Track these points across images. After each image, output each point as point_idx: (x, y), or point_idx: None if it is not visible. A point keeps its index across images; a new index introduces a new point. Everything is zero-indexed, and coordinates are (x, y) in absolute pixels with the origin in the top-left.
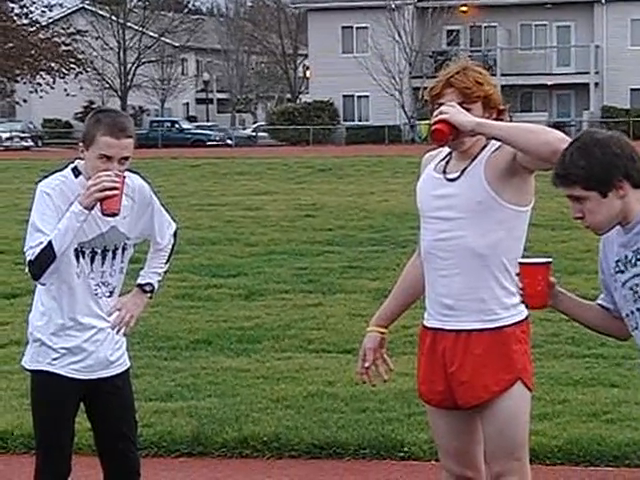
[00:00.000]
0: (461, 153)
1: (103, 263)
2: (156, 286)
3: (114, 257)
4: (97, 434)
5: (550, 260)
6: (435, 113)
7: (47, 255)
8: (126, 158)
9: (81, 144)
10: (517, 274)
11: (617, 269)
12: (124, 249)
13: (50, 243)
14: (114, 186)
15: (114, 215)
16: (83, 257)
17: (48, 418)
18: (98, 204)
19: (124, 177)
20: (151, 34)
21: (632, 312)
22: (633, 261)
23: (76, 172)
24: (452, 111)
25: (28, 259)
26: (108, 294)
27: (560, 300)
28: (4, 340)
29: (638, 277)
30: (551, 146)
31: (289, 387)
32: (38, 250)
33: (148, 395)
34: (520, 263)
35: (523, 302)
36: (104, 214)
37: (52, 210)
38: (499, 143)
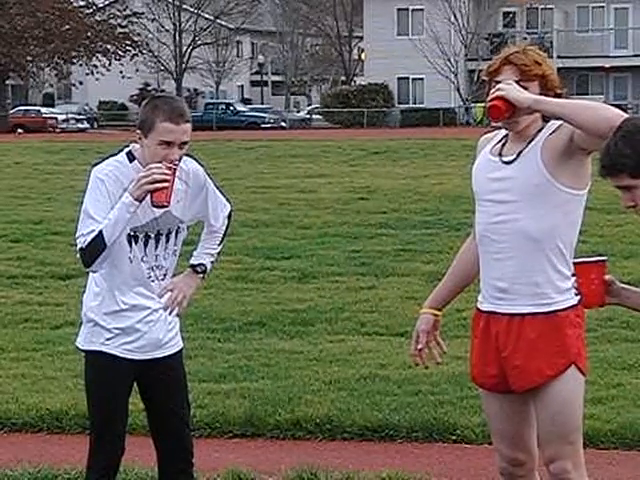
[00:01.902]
0: (517, 135)
1: (157, 247)
2: (209, 267)
3: (167, 240)
4: (150, 414)
5: (604, 259)
6: (492, 90)
7: (98, 244)
8: (185, 143)
9: (138, 131)
10: (573, 274)
11: None
12: (178, 232)
13: (101, 232)
14: (164, 178)
15: (164, 207)
16: (136, 242)
17: (102, 398)
18: (148, 195)
19: (175, 169)
20: (206, 16)
21: None
22: None
23: (131, 157)
24: (509, 88)
25: (79, 246)
26: (162, 277)
27: (626, 297)
28: (59, 321)
29: None
30: (610, 121)
31: (342, 369)
32: (89, 239)
33: (201, 376)
34: (574, 262)
35: (579, 301)
36: (154, 205)
37: (105, 197)
38: (555, 125)
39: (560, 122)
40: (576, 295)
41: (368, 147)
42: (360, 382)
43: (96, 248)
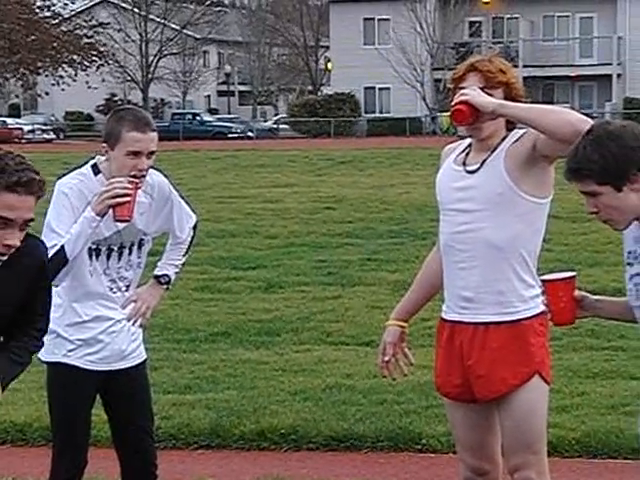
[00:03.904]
0: (481, 145)
1: (120, 259)
2: (173, 278)
3: (130, 253)
4: (113, 426)
5: (573, 274)
6: (456, 96)
7: (59, 259)
8: (153, 152)
9: (104, 145)
10: (542, 292)
11: (627, 261)
12: (141, 244)
13: (63, 247)
14: (126, 192)
15: (126, 221)
16: (98, 255)
17: (64, 410)
18: (111, 210)
19: (136, 183)
20: (173, 26)
21: (637, 307)
22: None
23: (95, 170)
24: (473, 93)
25: None
26: (125, 288)
27: (600, 308)
28: None
29: (639, 276)
30: (573, 126)
31: (307, 380)
32: (51, 253)
33: (167, 387)
34: (542, 280)
35: (550, 319)
36: (116, 220)
37: (68, 211)
38: (519, 134)
39: (523, 131)
40: (545, 307)
41: (335, 157)
42: (326, 392)
43: (58, 262)
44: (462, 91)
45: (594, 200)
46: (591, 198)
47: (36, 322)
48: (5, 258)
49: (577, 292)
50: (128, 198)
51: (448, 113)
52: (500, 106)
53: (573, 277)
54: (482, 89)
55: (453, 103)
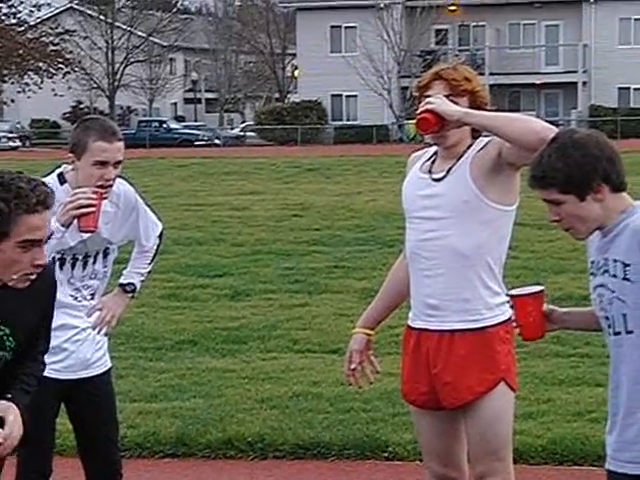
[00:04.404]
0: (446, 153)
1: (84, 268)
2: (138, 286)
3: (95, 262)
4: (78, 435)
5: (541, 289)
6: (422, 104)
7: None
8: (119, 162)
9: (71, 154)
10: (511, 306)
11: (590, 270)
12: (107, 253)
13: None
14: (90, 203)
15: (91, 232)
16: (63, 264)
17: (28, 419)
18: (75, 220)
19: (101, 193)
20: (139, 34)
21: (602, 317)
22: (602, 270)
23: (62, 179)
24: (438, 101)
25: None
26: (90, 297)
27: (568, 320)
28: None
29: (603, 287)
30: (538, 134)
31: (274, 387)
32: None
33: (132, 396)
34: (510, 295)
35: (519, 335)
36: (81, 230)
37: None
38: (484, 142)
39: (488, 139)
40: (518, 334)
41: (302, 164)
42: (292, 400)
43: None
44: (427, 100)
45: (557, 208)
46: (554, 206)
47: (40, 345)
48: (34, 278)
49: (545, 306)
50: (92, 209)
51: (414, 121)
52: (465, 115)
53: (541, 291)
54: (447, 97)
55: (418, 111)
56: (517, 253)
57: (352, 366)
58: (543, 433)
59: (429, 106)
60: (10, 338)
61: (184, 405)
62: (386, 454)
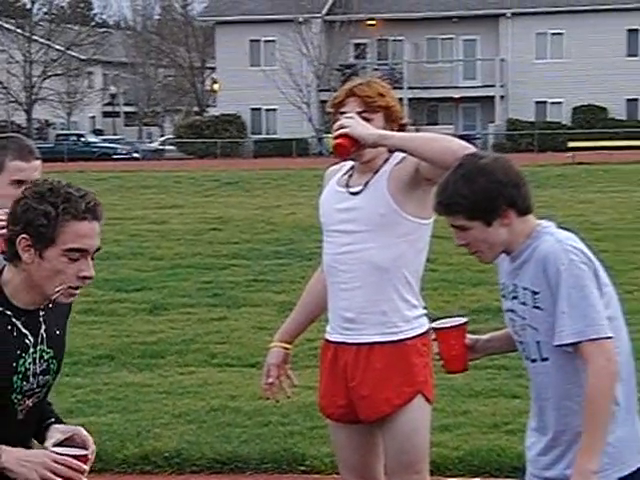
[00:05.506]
0: (364, 166)
1: None
2: None
3: None
4: None
5: (464, 322)
6: (335, 126)
7: None
8: None
9: None
10: (434, 339)
11: (501, 292)
12: None
13: None
14: (3, 225)
15: (3, 253)
16: None
17: None
18: None
19: None
20: (57, 47)
21: (515, 339)
22: (512, 295)
23: None
24: (353, 124)
25: None
26: None
27: (491, 347)
28: None
29: (513, 313)
30: (456, 154)
31: (192, 402)
32: None
33: None
34: (433, 328)
35: (443, 367)
36: None
37: None
38: (401, 156)
39: None
40: (442, 366)
41: (221, 177)
42: (210, 414)
43: None
44: (342, 121)
45: (463, 234)
46: (461, 232)
47: None
48: (78, 292)
49: (468, 338)
50: (3, 231)
51: (332, 135)
52: (381, 137)
53: (465, 324)
54: (362, 113)
55: (333, 136)
56: (435, 266)
57: (269, 380)
58: (459, 445)
59: (343, 131)
60: (54, 361)
61: (100, 420)
62: (303, 467)
